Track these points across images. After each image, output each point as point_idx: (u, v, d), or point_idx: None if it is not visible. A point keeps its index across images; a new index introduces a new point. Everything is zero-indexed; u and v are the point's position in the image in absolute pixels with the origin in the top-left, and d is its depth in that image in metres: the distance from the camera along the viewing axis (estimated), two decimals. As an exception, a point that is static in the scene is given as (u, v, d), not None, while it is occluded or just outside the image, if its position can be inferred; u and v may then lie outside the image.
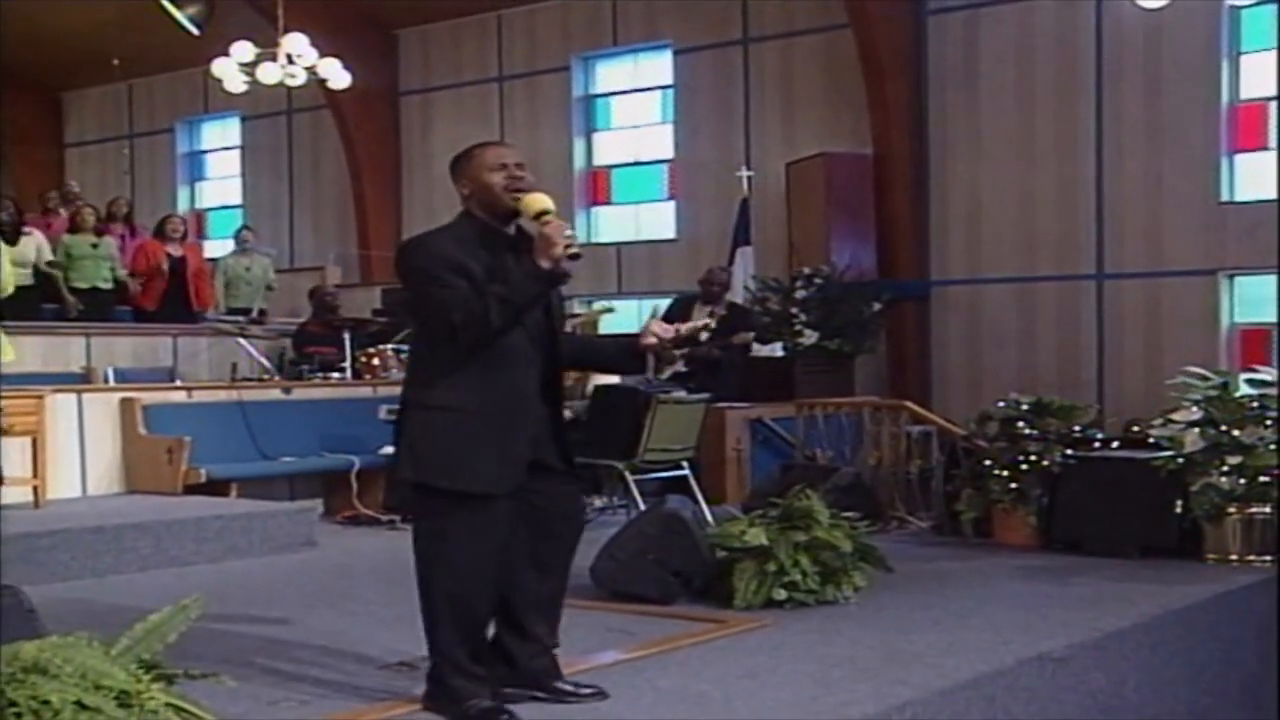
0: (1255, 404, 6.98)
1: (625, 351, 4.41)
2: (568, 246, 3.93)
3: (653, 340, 4.23)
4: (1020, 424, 7.73)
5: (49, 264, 12.00)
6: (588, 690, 4.25)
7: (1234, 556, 6.86)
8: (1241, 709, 6.31)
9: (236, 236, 14.15)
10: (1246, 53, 12.33)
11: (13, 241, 11.36)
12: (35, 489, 7.85)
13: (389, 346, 11.10)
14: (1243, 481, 6.83)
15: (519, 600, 4.20)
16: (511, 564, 4.12)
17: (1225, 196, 12.33)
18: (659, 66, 15.68)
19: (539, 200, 4.04)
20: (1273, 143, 11.99)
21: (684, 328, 4.39)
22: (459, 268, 3.96)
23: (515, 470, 4.03)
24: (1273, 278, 12.15)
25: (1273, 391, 7.04)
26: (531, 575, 4.20)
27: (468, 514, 3.96)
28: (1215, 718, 6.06)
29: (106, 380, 10.52)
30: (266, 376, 10.67)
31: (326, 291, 12.52)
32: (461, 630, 4.02)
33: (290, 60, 12.93)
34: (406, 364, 4.42)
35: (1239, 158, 12.39)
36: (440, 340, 3.99)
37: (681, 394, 8.50)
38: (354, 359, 10.84)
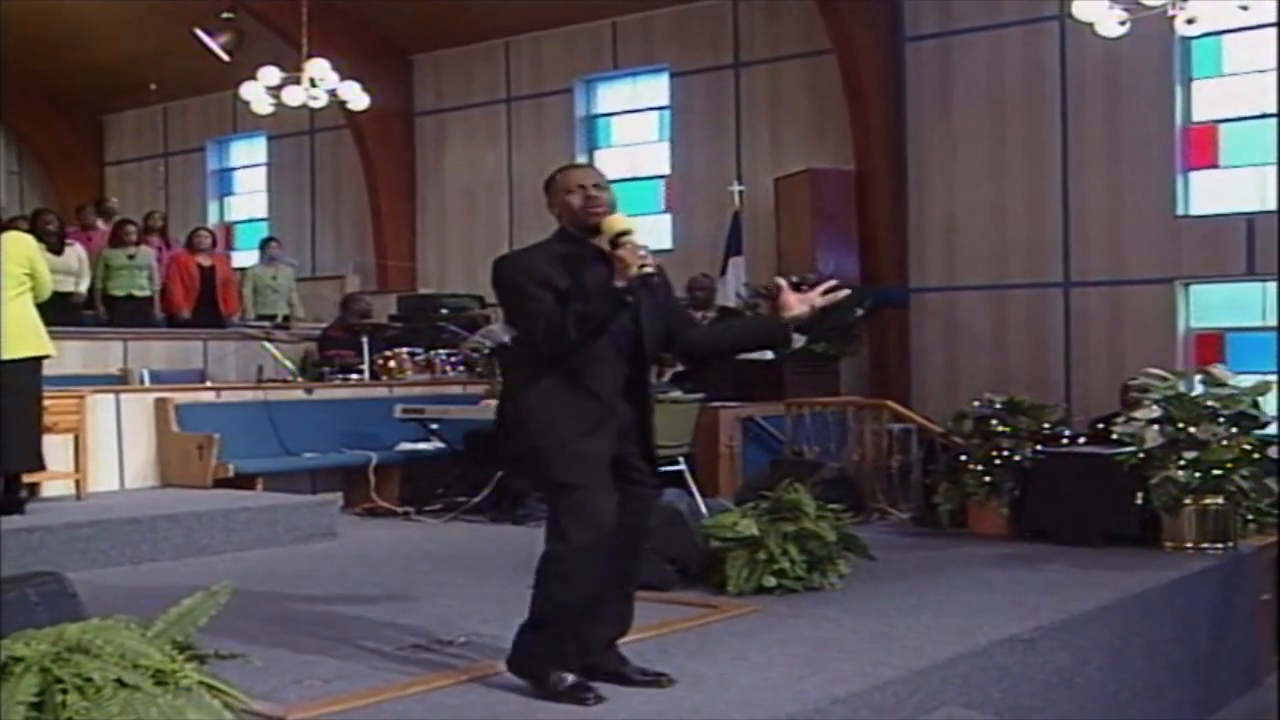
0: (1210, 403, 6.99)
1: (768, 328, 4.32)
2: (642, 266, 3.93)
3: (795, 312, 4.12)
4: (993, 422, 7.73)
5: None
6: (653, 676, 4.21)
7: (1189, 544, 6.87)
8: (1195, 684, 6.33)
9: (263, 247, 14.13)
10: (1197, 79, 12.36)
11: (58, 251, 11.39)
12: (77, 482, 7.86)
13: (405, 350, 11.11)
14: (1198, 475, 6.83)
15: None
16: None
17: (1180, 211, 12.33)
18: (656, 88, 15.66)
19: (618, 222, 4.07)
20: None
21: (819, 299, 4.15)
22: (546, 282, 4.00)
23: (597, 465, 4.04)
24: (1224, 286, 12.19)
25: (1225, 391, 7.04)
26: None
27: (568, 503, 3.99)
28: (1170, 693, 6.08)
29: (142, 381, 10.52)
30: (290, 378, 10.67)
31: (357, 298, 12.50)
32: (567, 616, 4.01)
33: (313, 84, 12.93)
34: (506, 368, 4.55)
35: (1192, 175, 12.40)
36: (531, 348, 4.05)
37: (677, 393, 8.50)
38: (372, 362, 10.84)
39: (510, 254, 4.26)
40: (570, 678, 3.99)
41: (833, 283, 4.22)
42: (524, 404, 4.11)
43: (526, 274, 4.05)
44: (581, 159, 15.87)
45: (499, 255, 4.24)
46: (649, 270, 3.97)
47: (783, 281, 4.25)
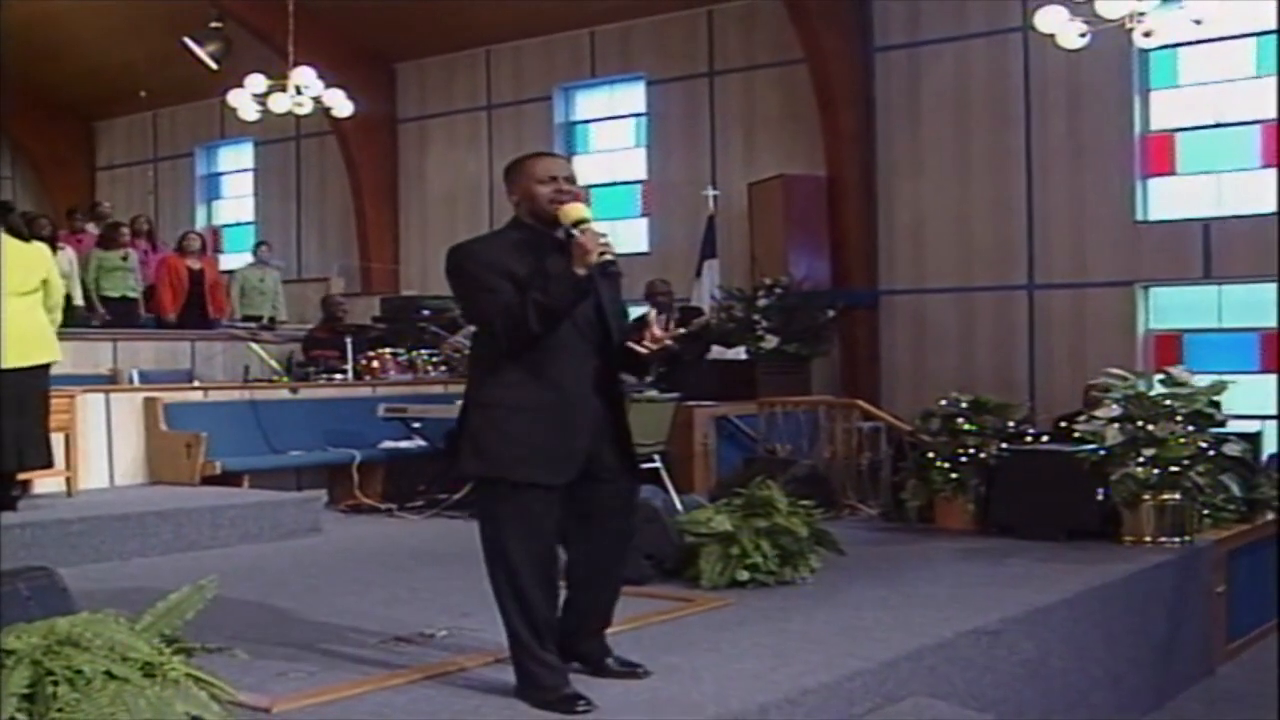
0: (1167, 402, 7.03)
1: (634, 358, 4.04)
2: (602, 254, 3.75)
3: (643, 350, 3.93)
4: (960, 420, 7.77)
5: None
6: (633, 668, 4.14)
7: (1148, 538, 6.92)
8: (1152, 673, 6.37)
9: (255, 251, 14.16)
10: (1154, 89, 12.44)
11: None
12: (68, 479, 7.81)
13: (388, 350, 11.09)
14: (1156, 471, 6.88)
15: (570, 598, 4.06)
16: (555, 560, 3.94)
17: (1140, 216, 12.41)
18: (633, 96, 15.67)
19: (576, 210, 3.85)
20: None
21: (665, 336, 3.98)
22: (504, 272, 3.78)
23: (569, 463, 3.86)
24: (1181, 289, 12.27)
25: (1182, 391, 7.09)
26: (580, 573, 4.05)
27: (523, 505, 3.79)
28: (1129, 681, 6.12)
29: (131, 381, 10.48)
30: (276, 378, 10.63)
31: (335, 300, 12.51)
32: (526, 618, 3.84)
33: (299, 91, 12.89)
34: (468, 364, 4.21)
35: (1150, 182, 12.48)
36: (492, 341, 3.84)
37: (653, 393, 8.50)
38: (355, 362, 10.82)
39: (464, 243, 3.98)
40: (564, 690, 3.84)
41: (680, 331, 4.08)
42: (484, 398, 3.89)
43: (481, 263, 3.83)
44: (562, 165, 15.87)
45: (452, 245, 3.98)
46: (609, 258, 3.78)
47: (651, 315, 4.03)
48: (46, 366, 7.03)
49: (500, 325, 3.76)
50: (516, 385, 3.83)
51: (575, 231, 3.81)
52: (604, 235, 3.81)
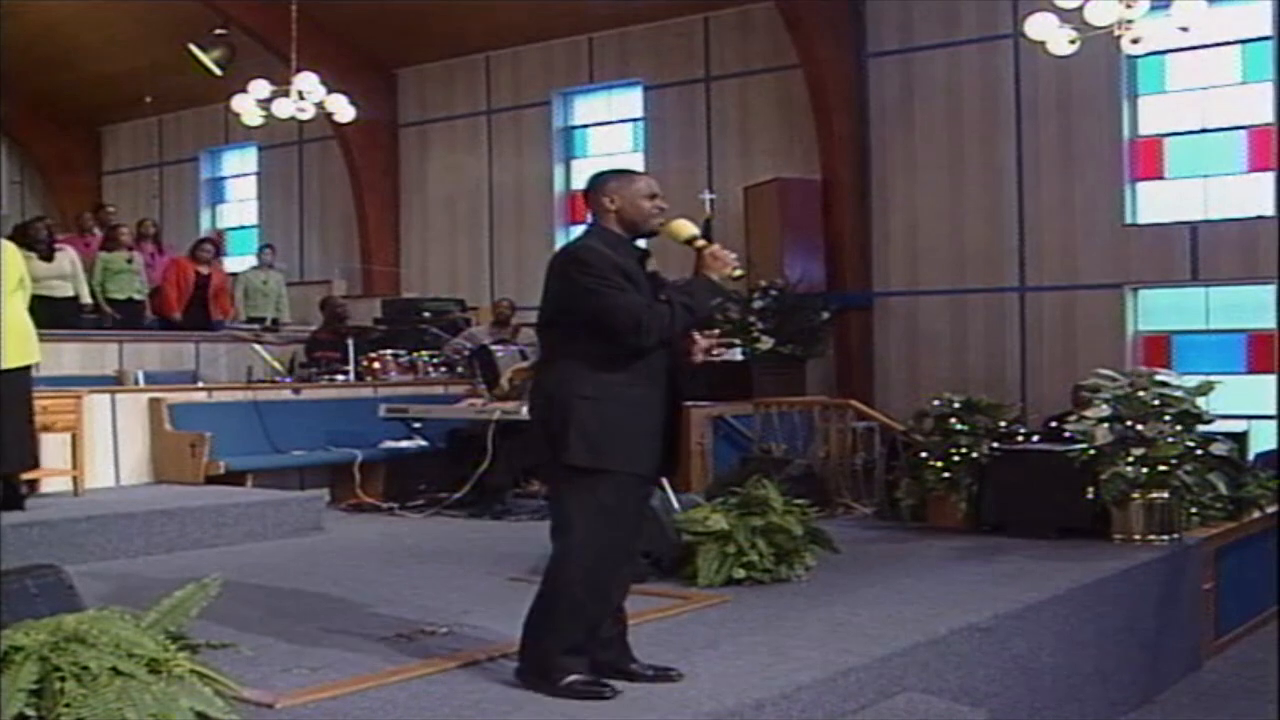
0: (1157, 402, 7.03)
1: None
2: (735, 267, 4.05)
3: (699, 358, 4.19)
4: (952, 420, 7.76)
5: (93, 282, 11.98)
6: (662, 671, 4.14)
7: (1137, 536, 6.91)
8: (1141, 668, 6.38)
9: (259, 254, 14.16)
10: (1142, 95, 12.45)
11: (48, 258, 11.29)
12: (74, 479, 7.83)
13: (388, 352, 11.09)
14: (1145, 470, 6.88)
15: None
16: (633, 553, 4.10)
17: (1129, 219, 12.42)
18: (630, 101, 15.67)
19: (688, 226, 4.16)
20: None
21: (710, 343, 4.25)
22: (625, 274, 3.96)
23: (657, 456, 4.04)
24: (1170, 291, 12.28)
25: (1170, 392, 7.09)
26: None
27: (622, 495, 3.92)
28: (1118, 676, 6.12)
29: (137, 382, 10.45)
30: (278, 379, 10.63)
31: (336, 302, 12.49)
32: (589, 608, 3.93)
33: (301, 97, 12.87)
34: (552, 359, 4.12)
35: (1139, 185, 12.49)
36: (602, 339, 3.91)
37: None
38: (356, 363, 10.81)
39: (583, 244, 4.08)
40: (586, 676, 3.90)
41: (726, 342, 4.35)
42: (590, 391, 3.91)
43: (609, 264, 3.95)
44: (559, 168, 15.92)
45: (568, 244, 4.15)
46: (741, 271, 4.07)
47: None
48: (29, 367, 7.01)
49: (646, 323, 3.89)
50: (625, 381, 3.95)
51: (694, 245, 4.13)
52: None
